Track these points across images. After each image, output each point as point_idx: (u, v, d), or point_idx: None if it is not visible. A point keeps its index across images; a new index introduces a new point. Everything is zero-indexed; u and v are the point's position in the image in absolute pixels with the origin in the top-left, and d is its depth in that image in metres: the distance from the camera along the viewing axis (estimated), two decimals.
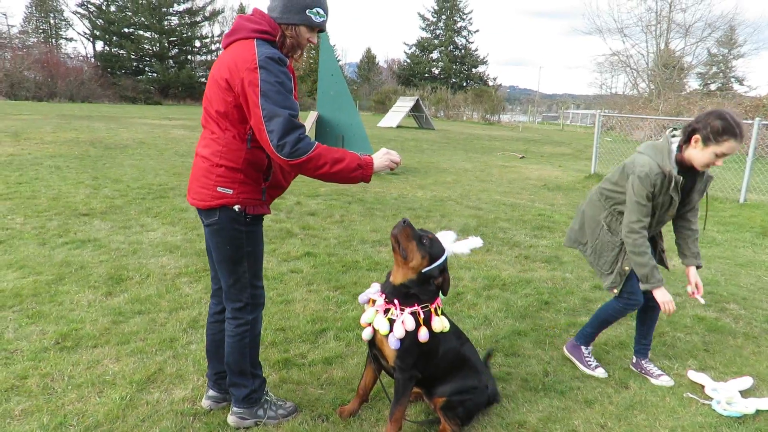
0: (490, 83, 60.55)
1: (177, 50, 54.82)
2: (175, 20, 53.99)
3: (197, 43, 56.19)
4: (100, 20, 51.25)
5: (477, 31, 79.53)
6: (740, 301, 4.22)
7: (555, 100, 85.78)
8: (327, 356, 3.04)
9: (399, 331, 2.18)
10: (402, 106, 27.38)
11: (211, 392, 2.49)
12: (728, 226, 6.98)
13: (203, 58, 56.83)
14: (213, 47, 56.87)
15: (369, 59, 67.85)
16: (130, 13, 51.08)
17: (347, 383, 2.78)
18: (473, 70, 62.38)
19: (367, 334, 2.31)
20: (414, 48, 63.17)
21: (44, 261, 4.30)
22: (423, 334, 2.20)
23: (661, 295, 2.77)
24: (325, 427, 2.41)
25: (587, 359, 3.07)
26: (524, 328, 3.54)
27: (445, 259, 2.27)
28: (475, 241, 2.37)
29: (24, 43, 50.22)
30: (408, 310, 2.22)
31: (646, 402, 2.74)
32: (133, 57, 52.38)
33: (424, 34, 62.95)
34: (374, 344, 2.34)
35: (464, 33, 62.35)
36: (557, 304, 4.00)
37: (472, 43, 63.48)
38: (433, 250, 2.23)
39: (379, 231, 5.82)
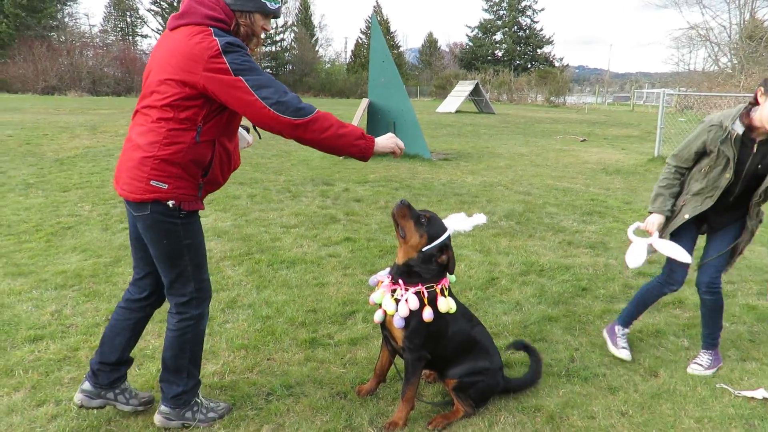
0: (557, 64, 58.34)
1: None
2: None
3: (261, 36, 57.54)
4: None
5: (542, 9, 76.86)
6: None
7: (627, 80, 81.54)
8: (353, 337, 3.14)
9: (403, 310, 2.23)
10: (461, 90, 27.01)
11: (86, 384, 2.28)
12: None
13: (267, 48, 58.26)
14: (276, 38, 58.16)
15: (430, 44, 67.08)
16: None
17: (369, 363, 2.86)
18: (538, 50, 60.29)
19: (378, 315, 2.37)
20: (476, 30, 61.80)
21: (105, 245, 4.65)
22: (427, 314, 2.23)
23: (651, 220, 2.86)
24: (341, 404, 2.50)
25: (617, 338, 3.01)
26: (556, 314, 3.49)
27: (447, 238, 2.30)
28: (479, 218, 2.39)
29: (104, 41, 53.48)
30: (412, 289, 2.26)
31: (675, 391, 2.65)
32: None
33: (487, 16, 61.43)
34: (385, 325, 2.40)
35: (529, 12, 60.26)
36: (595, 291, 3.90)
37: (537, 22, 61.34)
38: (432, 229, 2.27)
39: None
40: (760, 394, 2.61)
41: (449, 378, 2.42)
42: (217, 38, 1.90)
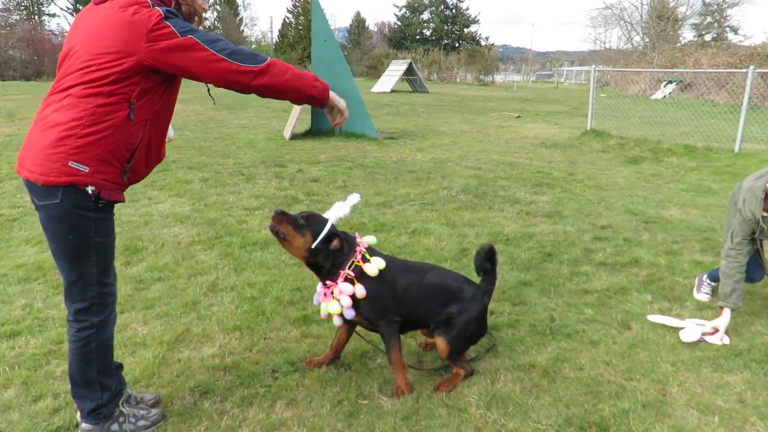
0: (483, 43, 59.69)
1: None
2: None
3: None
4: None
5: None
6: None
7: (549, 58, 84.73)
8: None
9: (346, 301, 2.33)
10: (395, 69, 27.12)
11: (83, 425, 2.09)
12: (724, 176, 7.11)
13: None
14: None
15: (359, 23, 66.60)
16: None
17: (366, 335, 2.93)
18: (465, 30, 61.40)
19: (336, 320, 2.47)
20: (404, 10, 62.00)
21: None
22: (359, 290, 2.34)
23: (724, 319, 2.96)
24: (348, 375, 2.57)
25: (702, 286, 3.44)
26: (529, 279, 3.69)
27: (331, 227, 2.38)
28: (353, 198, 2.48)
29: (6, 21, 49.09)
30: (339, 279, 2.36)
31: (648, 341, 2.91)
32: None
33: None
34: (348, 321, 2.50)
35: None
36: (560, 256, 4.14)
37: (462, 2, 62.35)
38: (312, 226, 2.36)
39: (382, 194, 5.93)
40: (668, 321, 3.06)
41: (434, 339, 2.51)
42: (156, 7, 1.80)
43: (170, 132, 2.28)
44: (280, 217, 2.31)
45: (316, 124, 10.58)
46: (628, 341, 2.90)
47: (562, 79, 47.76)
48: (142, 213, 5.10)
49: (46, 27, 52.14)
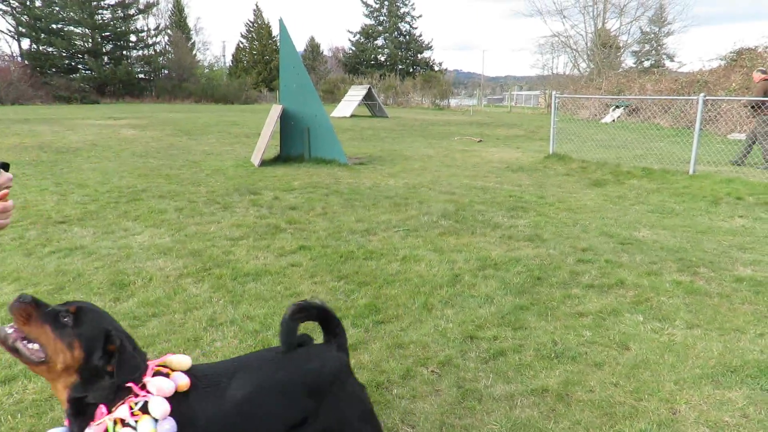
0: (436, 68, 61.17)
1: (112, 46, 52.49)
2: (107, 14, 51.57)
3: (133, 38, 53.97)
4: (25, 16, 48.35)
5: (420, 16, 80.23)
6: (708, 264, 4.62)
7: (499, 83, 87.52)
8: (350, 343, 3.15)
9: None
10: (354, 95, 27.40)
11: None
12: (683, 197, 7.51)
13: (140, 53, 54.70)
14: (150, 41, 54.83)
15: (313, 48, 67.01)
16: (57, 8, 48.45)
17: (376, 366, 2.93)
18: (419, 55, 62.83)
19: None
20: (358, 35, 62.94)
21: (37, 271, 4.21)
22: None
23: None
24: None
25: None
26: (525, 303, 3.78)
27: (108, 334, 1.44)
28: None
29: None
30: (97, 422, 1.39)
31: (648, 361, 3.03)
32: (64, 54, 49.74)
33: (368, 21, 62.83)
34: None
35: (408, 18, 62.59)
36: (549, 279, 4.27)
37: (416, 28, 64.09)
38: (83, 328, 1.41)
39: (364, 221, 5.95)
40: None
41: None
42: None
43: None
44: (31, 309, 1.37)
45: (285, 150, 10.55)
46: (630, 362, 3.01)
47: (513, 103, 49.40)
48: (121, 245, 4.93)
49: None
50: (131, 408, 1.41)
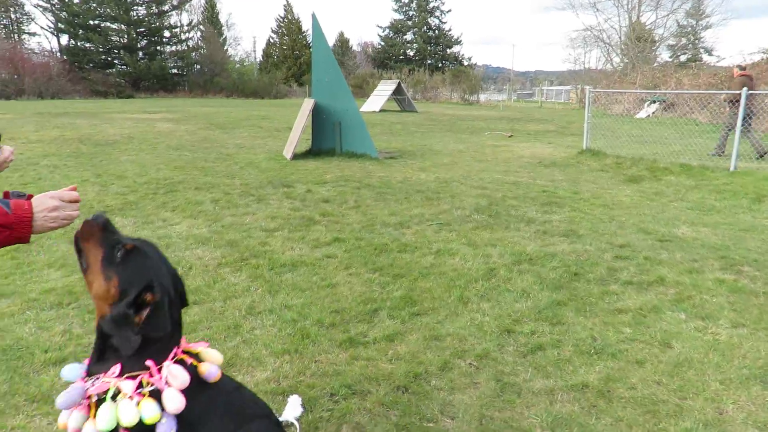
0: (465, 63, 60.67)
1: (146, 41, 53.57)
2: (142, 10, 52.66)
3: (166, 33, 54.98)
4: (64, 13, 49.72)
5: (450, 11, 79.65)
6: (752, 263, 4.49)
7: (528, 78, 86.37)
8: (387, 334, 3.19)
9: (89, 428, 1.34)
10: (384, 89, 27.38)
11: None
12: (724, 194, 7.30)
13: (174, 48, 55.70)
14: (183, 37, 55.77)
15: (342, 43, 67.20)
16: (95, 5, 49.65)
17: (413, 357, 2.94)
18: (448, 50, 62.37)
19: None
20: (388, 30, 62.82)
21: None
22: (127, 415, 1.31)
23: None
24: (407, 398, 2.57)
25: None
26: (562, 299, 3.74)
27: (146, 288, 1.39)
28: (294, 404, 2.33)
29: None
30: (95, 384, 1.37)
31: (692, 359, 2.96)
32: (101, 50, 51.00)
33: (397, 16, 62.65)
34: None
35: (437, 13, 62.18)
36: (585, 275, 4.20)
37: (445, 23, 63.53)
38: (126, 268, 1.38)
39: (397, 214, 5.96)
40: None
41: None
42: None
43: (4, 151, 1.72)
44: (96, 229, 1.39)
45: (317, 144, 10.62)
46: (673, 360, 2.95)
47: (543, 98, 48.69)
48: (161, 235, 5.05)
49: (26, 46, 51.53)
50: (140, 386, 1.36)
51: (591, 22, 54.94)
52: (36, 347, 2.92)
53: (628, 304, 3.66)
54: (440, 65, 60.02)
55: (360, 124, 10.23)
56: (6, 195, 1.33)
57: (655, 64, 34.79)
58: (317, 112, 10.40)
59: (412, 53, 61.97)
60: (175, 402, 1.36)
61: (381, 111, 25.74)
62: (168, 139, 13.34)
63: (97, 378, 1.38)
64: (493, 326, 3.32)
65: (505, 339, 3.18)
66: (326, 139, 10.48)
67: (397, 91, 27.17)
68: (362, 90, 41.78)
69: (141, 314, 1.38)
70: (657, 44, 39.21)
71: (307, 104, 10.51)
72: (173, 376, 1.39)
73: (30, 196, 1.36)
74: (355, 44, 70.84)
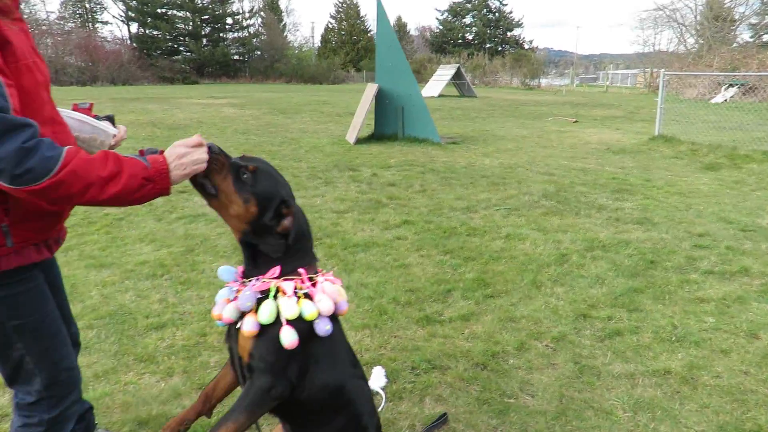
0: (526, 47, 59.06)
1: (210, 28, 55.32)
2: None
3: (229, 20, 56.48)
4: (134, 2, 51.95)
5: None
6: None
7: (593, 61, 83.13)
8: (462, 314, 3.26)
9: (326, 305, 1.52)
10: (443, 74, 27.14)
11: None
12: None
13: (235, 35, 57.21)
14: (244, 23, 57.10)
15: (400, 28, 66.87)
16: None
17: (489, 337, 2.99)
18: (508, 33, 60.92)
19: (248, 326, 1.51)
20: (446, 14, 61.98)
21: (168, 234, 4.63)
22: (289, 309, 1.48)
23: None
24: (486, 375, 2.63)
25: None
26: (639, 286, 3.68)
27: (281, 202, 1.53)
28: (378, 375, 2.46)
29: (62, 29, 51.35)
30: (256, 284, 1.51)
31: None
32: (168, 37, 53.12)
33: None
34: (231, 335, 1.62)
35: None
36: (663, 263, 4.10)
37: (506, 5, 62.02)
38: (260, 189, 1.50)
39: (463, 199, 5.98)
40: None
41: None
42: None
43: (112, 130, 1.74)
44: (221, 159, 1.48)
45: (379, 129, 10.72)
46: (761, 351, 2.86)
47: (609, 83, 46.79)
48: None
49: (99, 34, 54.26)
50: (296, 288, 1.51)
51: (663, 1, 51.97)
52: (138, 313, 3.17)
53: (710, 293, 3.56)
54: (500, 49, 58.70)
55: (423, 109, 10.24)
56: (141, 153, 1.45)
57: (734, 45, 32.68)
58: (380, 97, 10.48)
59: (470, 37, 60.92)
60: (327, 305, 1.53)
61: (440, 96, 25.55)
62: (234, 123, 13.81)
63: (257, 279, 1.52)
64: (567, 310, 3.32)
65: (581, 323, 3.18)
66: (388, 123, 10.55)
67: (457, 76, 26.86)
68: (420, 75, 41.52)
69: (283, 223, 1.52)
70: (737, 23, 36.74)
71: (370, 89, 10.60)
72: (326, 289, 1.56)
73: (162, 151, 1.45)
74: (412, 28, 70.41)
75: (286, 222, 1.52)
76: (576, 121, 14.94)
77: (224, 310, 1.52)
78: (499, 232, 4.79)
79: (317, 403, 1.61)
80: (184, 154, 1.41)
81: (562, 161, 8.58)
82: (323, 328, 1.52)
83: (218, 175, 1.47)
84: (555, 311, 3.31)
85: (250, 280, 1.53)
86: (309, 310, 1.49)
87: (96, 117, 1.72)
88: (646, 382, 2.59)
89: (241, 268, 1.61)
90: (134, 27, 53.91)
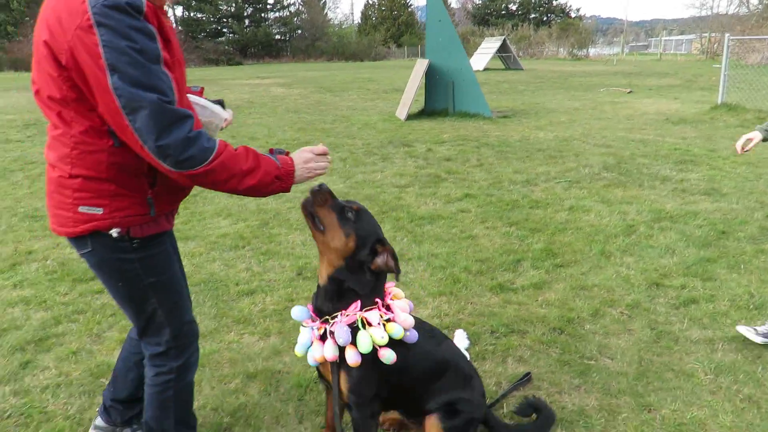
0: (573, 15, 56.99)
1: (252, 9, 55.71)
2: None
3: (270, 0, 56.76)
4: None
5: None
6: None
7: (644, 28, 79.50)
8: (534, 282, 3.35)
9: (329, 351, 1.66)
10: (488, 47, 26.63)
11: (98, 420, 1.99)
12: None
13: (277, 14, 57.47)
14: (285, 3, 57.27)
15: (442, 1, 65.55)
16: None
17: (563, 304, 3.08)
18: (554, 2, 58.83)
19: (311, 359, 1.75)
20: None
21: (242, 209, 4.87)
22: (381, 336, 1.65)
23: None
24: (564, 339, 2.73)
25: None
26: (711, 256, 3.67)
27: (377, 240, 1.69)
28: (461, 337, 2.57)
29: None
30: (342, 319, 1.67)
31: None
32: (212, 19, 53.87)
33: None
34: (322, 374, 1.84)
35: None
36: (735, 234, 4.06)
37: None
38: (360, 226, 1.67)
39: (522, 172, 6.00)
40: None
41: (424, 416, 1.88)
42: None
43: (224, 113, 1.79)
44: (327, 196, 1.65)
45: (429, 104, 10.73)
46: None
47: (662, 50, 44.73)
48: (304, 189, 5.46)
49: None
50: (381, 317, 1.69)
51: None
52: (228, 281, 3.41)
53: None
54: (545, 19, 56.85)
55: (473, 84, 10.18)
56: (271, 152, 1.62)
57: None
58: (430, 72, 10.46)
59: (514, 7, 59.19)
60: (409, 320, 1.74)
61: (485, 70, 25.12)
62: (284, 102, 14.06)
63: (341, 314, 1.68)
64: (639, 279, 3.36)
65: (654, 291, 3.22)
66: (439, 99, 10.54)
67: (502, 48, 26.30)
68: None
69: (375, 261, 1.68)
70: None
71: (420, 65, 10.59)
72: (399, 307, 1.76)
73: (288, 153, 1.64)
74: (453, 1, 68.87)
75: (379, 260, 1.67)
76: (631, 92, 14.48)
77: (325, 350, 1.66)
78: (562, 204, 4.81)
79: (422, 380, 1.84)
80: (309, 160, 1.59)
81: (620, 133, 8.41)
82: (412, 338, 1.73)
83: (323, 209, 1.64)
84: (626, 280, 3.36)
85: (334, 317, 1.68)
86: (397, 332, 1.68)
87: (215, 101, 1.85)
88: (725, 347, 2.63)
89: (310, 307, 1.78)
90: (179, 10, 54.95)
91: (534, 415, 2.09)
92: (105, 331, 2.85)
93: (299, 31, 57.09)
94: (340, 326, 1.65)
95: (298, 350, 1.76)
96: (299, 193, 5.56)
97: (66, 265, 3.69)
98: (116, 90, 1.28)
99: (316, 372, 1.89)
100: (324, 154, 1.64)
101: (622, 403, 2.26)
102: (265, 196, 1.56)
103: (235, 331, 2.83)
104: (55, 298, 3.21)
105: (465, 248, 3.89)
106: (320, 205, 1.64)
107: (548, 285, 3.33)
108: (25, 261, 3.79)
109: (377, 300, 1.72)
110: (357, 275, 1.67)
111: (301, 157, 1.59)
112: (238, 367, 2.51)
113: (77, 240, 1.54)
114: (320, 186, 1.65)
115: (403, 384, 1.80)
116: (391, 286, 1.83)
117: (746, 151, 2.75)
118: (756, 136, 2.73)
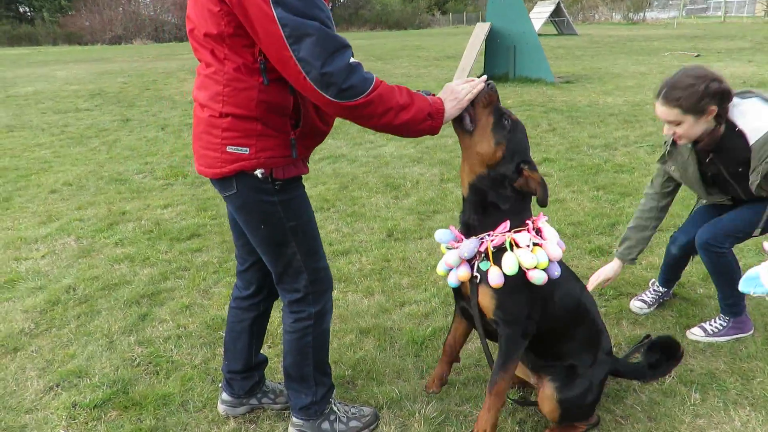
0: None
1: None
2: None
3: None
4: None
5: None
6: None
7: None
8: None
9: (494, 275, 1.58)
10: (541, 11, 25.62)
11: (224, 395, 2.01)
12: None
13: None
14: None
15: None
16: None
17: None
18: None
19: (452, 279, 1.68)
20: None
21: (319, 173, 4.89)
22: (527, 260, 1.55)
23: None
24: (677, 302, 2.64)
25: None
26: None
27: (525, 161, 1.60)
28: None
29: None
30: (498, 232, 1.58)
31: None
32: None
33: None
34: (461, 295, 1.77)
35: None
36: None
37: None
38: (513, 137, 1.57)
39: (598, 137, 5.79)
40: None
41: (545, 398, 1.77)
42: None
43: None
44: (494, 96, 1.56)
45: (488, 69, 10.45)
46: None
47: (723, 12, 42.10)
48: (375, 155, 5.47)
49: None
50: (530, 239, 1.57)
51: None
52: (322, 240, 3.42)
53: None
54: None
55: (536, 48, 9.85)
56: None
57: None
58: (490, 37, 10.17)
59: None
60: (556, 251, 1.62)
61: (538, 35, 24.26)
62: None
63: (488, 235, 1.60)
64: (748, 242, 3.19)
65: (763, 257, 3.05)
66: (498, 63, 10.26)
67: (555, 13, 25.30)
68: None
69: (519, 180, 1.58)
70: None
71: (481, 29, 10.29)
72: (548, 233, 1.65)
73: (434, 95, 1.57)
74: None
75: (531, 183, 1.58)
76: (698, 56, 13.73)
77: (458, 271, 1.61)
78: (649, 169, 4.62)
79: (561, 321, 1.76)
80: (457, 90, 1.53)
81: None
82: (554, 272, 1.60)
83: (484, 109, 1.55)
84: None
85: (481, 237, 1.60)
86: (543, 259, 1.57)
87: None
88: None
89: (453, 229, 1.68)
90: None
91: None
92: (211, 286, 2.93)
93: (341, 0, 56.53)
94: (468, 242, 1.59)
95: (440, 269, 1.68)
96: (372, 158, 5.57)
97: (160, 224, 3.80)
98: (281, 20, 1.30)
99: (453, 293, 1.82)
100: (469, 82, 1.55)
101: (754, 367, 2.17)
102: (414, 136, 1.52)
103: (338, 288, 2.86)
104: (158, 255, 3.31)
105: (554, 212, 3.79)
106: (484, 104, 1.55)
107: (649, 248, 3.18)
108: (121, 221, 3.92)
109: (528, 222, 1.62)
110: (499, 190, 1.58)
111: (447, 90, 1.55)
112: (349, 323, 2.53)
113: (223, 182, 1.57)
114: (489, 84, 1.56)
115: (547, 318, 1.70)
116: (542, 219, 1.70)
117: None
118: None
